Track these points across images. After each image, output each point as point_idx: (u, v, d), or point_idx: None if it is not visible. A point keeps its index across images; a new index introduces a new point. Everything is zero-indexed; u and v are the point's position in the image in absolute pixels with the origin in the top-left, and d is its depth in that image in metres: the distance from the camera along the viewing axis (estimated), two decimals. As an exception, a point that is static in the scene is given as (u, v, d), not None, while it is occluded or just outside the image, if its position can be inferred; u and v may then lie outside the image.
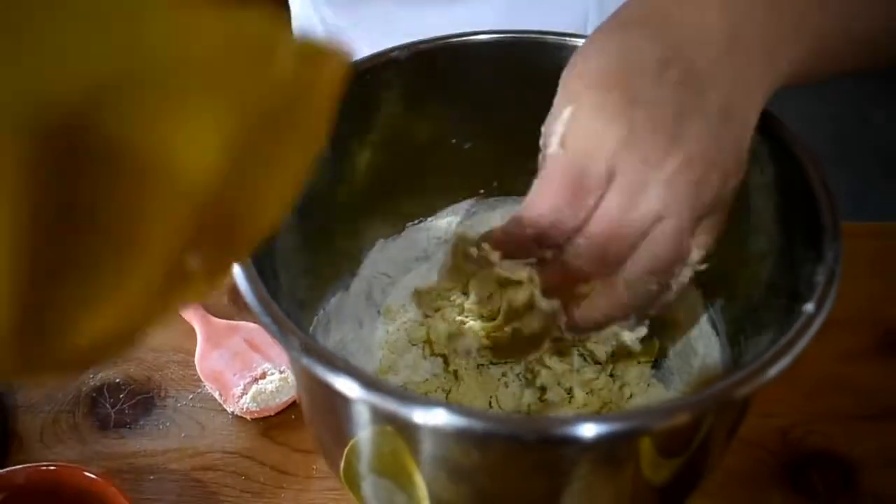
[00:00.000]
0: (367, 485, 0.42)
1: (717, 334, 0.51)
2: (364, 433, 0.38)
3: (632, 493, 0.40)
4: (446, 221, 0.58)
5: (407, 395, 0.32)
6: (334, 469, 0.44)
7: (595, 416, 0.31)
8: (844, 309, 0.63)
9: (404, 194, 0.56)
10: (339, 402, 0.37)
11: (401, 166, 0.54)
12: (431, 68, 0.50)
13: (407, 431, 0.35)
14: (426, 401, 0.32)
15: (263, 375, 0.63)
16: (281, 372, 0.63)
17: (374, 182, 0.53)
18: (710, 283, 0.52)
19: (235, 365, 0.64)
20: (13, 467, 0.52)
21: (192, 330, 0.67)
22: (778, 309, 0.41)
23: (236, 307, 0.69)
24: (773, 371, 0.33)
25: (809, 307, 0.35)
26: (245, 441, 0.60)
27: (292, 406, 0.62)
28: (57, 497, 0.51)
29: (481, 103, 0.52)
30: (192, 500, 0.57)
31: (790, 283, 0.40)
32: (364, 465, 0.41)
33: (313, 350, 0.34)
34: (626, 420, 0.32)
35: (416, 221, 0.58)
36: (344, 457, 0.41)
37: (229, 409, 0.61)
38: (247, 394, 0.61)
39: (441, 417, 0.31)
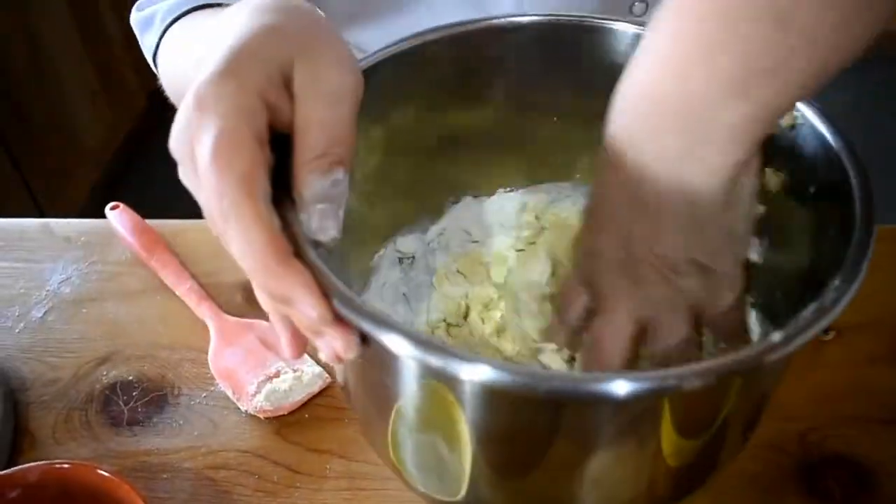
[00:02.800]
0: (411, 449, 0.43)
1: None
2: (411, 389, 0.39)
3: (651, 468, 0.41)
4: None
5: (453, 352, 0.33)
6: (377, 441, 0.45)
7: (628, 374, 0.32)
8: (864, 313, 0.63)
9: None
10: (388, 361, 0.38)
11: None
12: (477, 49, 0.51)
13: (453, 385, 0.36)
14: (471, 357, 0.33)
15: (277, 374, 0.62)
16: (294, 371, 0.62)
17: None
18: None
19: (249, 363, 0.64)
20: (26, 465, 0.52)
21: (206, 327, 0.67)
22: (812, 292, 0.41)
23: (249, 304, 0.69)
24: (802, 339, 0.34)
25: (838, 281, 0.35)
26: (258, 440, 0.60)
27: (306, 405, 0.61)
28: (70, 495, 0.51)
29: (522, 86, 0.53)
30: (205, 499, 0.57)
31: (823, 269, 0.40)
32: (410, 422, 0.41)
33: (366, 312, 0.35)
34: (659, 378, 0.32)
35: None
36: (391, 421, 0.41)
37: (243, 408, 0.61)
38: (260, 392, 0.61)
39: (485, 373, 0.32)
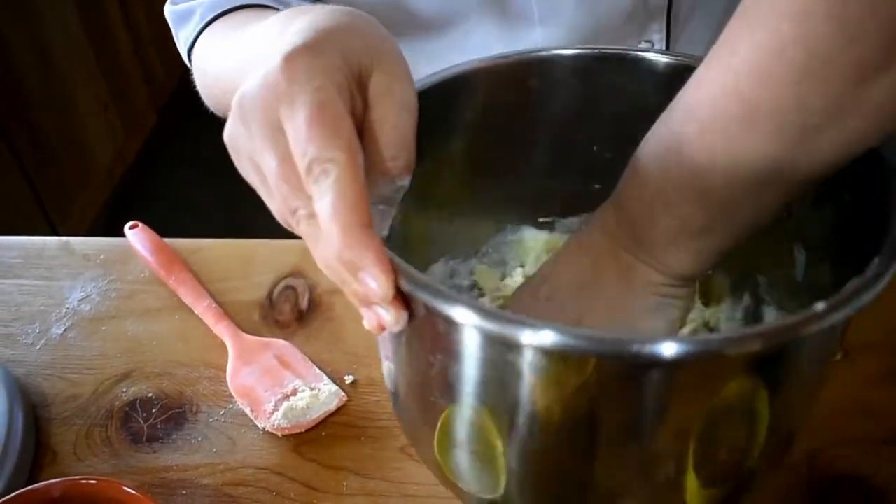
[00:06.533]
0: (463, 437, 0.43)
1: None
2: (471, 364, 0.39)
3: (695, 457, 0.40)
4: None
5: (515, 318, 0.34)
6: (422, 444, 0.46)
7: (682, 338, 0.33)
8: (872, 333, 0.64)
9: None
10: (448, 337, 0.38)
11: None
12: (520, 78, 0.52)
13: (514, 353, 0.36)
14: (534, 323, 0.33)
15: (294, 392, 0.63)
16: (311, 389, 0.63)
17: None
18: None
19: (266, 381, 0.65)
20: (50, 481, 0.53)
21: (224, 346, 0.68)
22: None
23: (266, 323, 0.70)
24: (843, 312, 0.34)
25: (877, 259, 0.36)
26: (276, 457, 0.61)
27: (323, 423, 0.62)
28: (93, 511, 0.52)
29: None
30: (223, 516, 0.57)
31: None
32: (465, 408, 0.41)
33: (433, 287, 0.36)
34: (712, 343, 0.33)
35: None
36: (441, 417, 0.42)
37: (260, 425, 0.62)
38: (278, 410, 0.62)
39: (549, 338, 0.33)
